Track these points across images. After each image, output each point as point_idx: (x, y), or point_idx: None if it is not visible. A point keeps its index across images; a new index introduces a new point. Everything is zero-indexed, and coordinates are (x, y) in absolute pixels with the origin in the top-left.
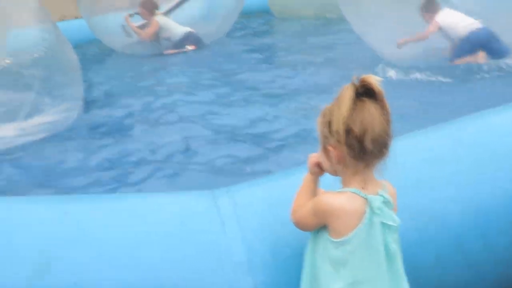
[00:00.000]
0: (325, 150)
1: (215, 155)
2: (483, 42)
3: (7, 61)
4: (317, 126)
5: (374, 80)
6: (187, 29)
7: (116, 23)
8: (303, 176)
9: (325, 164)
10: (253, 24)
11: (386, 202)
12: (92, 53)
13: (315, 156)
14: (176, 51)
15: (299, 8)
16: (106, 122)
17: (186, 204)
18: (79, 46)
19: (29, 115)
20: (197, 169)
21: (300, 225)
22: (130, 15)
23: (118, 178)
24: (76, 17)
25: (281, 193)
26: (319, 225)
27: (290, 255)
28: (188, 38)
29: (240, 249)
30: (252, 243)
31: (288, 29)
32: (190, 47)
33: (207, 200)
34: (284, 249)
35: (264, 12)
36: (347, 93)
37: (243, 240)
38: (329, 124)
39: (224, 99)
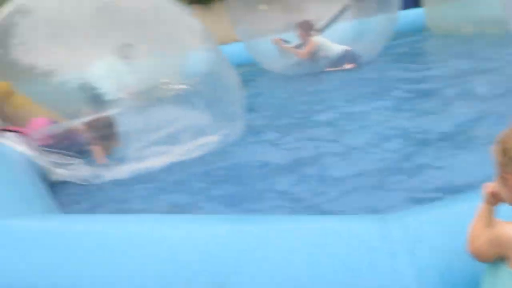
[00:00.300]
0: (503, 179)
1: (382, 176)
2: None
3: (183, 86)
4: (493, 154)
5: None
6: (344, 47)
7: (273, 45)
8: (476, 202)
9: (504, 193)
10: (410, 42)
11: None
12: (251, 75)
13: (492, 185)
14: (335, 69)
15: (458, 24)
16: (267, 141)
17: (355, 228)
18: (238, 68)
19: (193, 135)
20: (364, 189)
21: (478, 257)
22: (283, 40)
23: (283, 198)
24: (235, 41)
25: (454, 220)
26: (498, 257)
27: (463, 285)
28: (346, 56)
29: (410, 276)
30: (423, 271)
31: (450, 47)
32: (348, 65)
33: (377, 225)
34: (456, 279)
35: (419, 30)
36: None
37: (414, 267)
38: (506, 151)
39: (386, 113)
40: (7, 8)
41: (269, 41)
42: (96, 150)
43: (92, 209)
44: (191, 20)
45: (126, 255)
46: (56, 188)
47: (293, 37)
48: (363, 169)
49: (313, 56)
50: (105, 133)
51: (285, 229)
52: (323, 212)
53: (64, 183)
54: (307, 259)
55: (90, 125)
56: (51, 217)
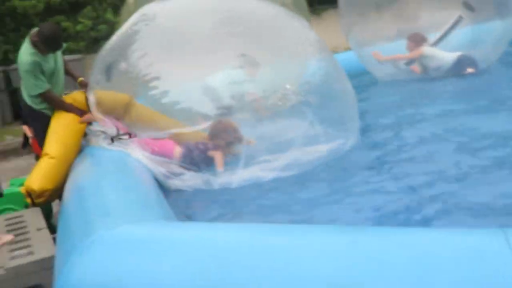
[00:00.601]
0: None
1: (495, 189)
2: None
3: (301, 95)
4: None
5: None
6: (457, 53)
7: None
8: None
9: None
10: None
11: None
12: (363, 83)
13: None
14: (454, 74)
15: None
16: (380, 150)
17: (475, 242)
18: (350, 77)
19: (308, 144)
20: (476, 203)
21: None
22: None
23: (400, 209)
24: (347, 49)
25: None
26: None
27: None
28: (462, 62)
29: None
30: None
31: None
32: (470, 70)
33: (498, 239)
34: None
35: None
36: None
37: None
38: None
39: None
40: (133, 18)
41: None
42: (218, 156)
43: (207, 217)
44: (307, 30)
45: (240, 266)
46: (172, 195)
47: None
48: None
49: (423, 67)
50: (227, 138)
51: (400, 241)
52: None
53: (179, 190)
54: (420, 274)
55: (214, 130)
56: (167, 224)
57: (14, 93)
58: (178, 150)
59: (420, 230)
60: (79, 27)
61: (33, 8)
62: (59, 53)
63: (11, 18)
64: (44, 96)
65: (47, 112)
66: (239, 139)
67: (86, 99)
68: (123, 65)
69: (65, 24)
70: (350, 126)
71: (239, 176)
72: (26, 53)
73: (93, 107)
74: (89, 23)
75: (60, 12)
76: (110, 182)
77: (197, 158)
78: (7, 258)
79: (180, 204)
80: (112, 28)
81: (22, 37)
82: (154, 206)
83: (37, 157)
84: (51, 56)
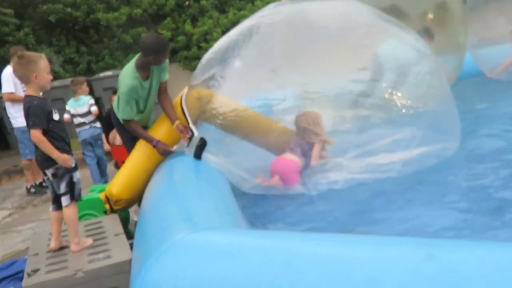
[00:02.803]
0: None
1: None
2: None
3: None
4: None
5: None
6: None
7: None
8: None
9: None
10: None
11: None
12: (477, 84)
13: None
14: None
15: None
16: (484, 155)
17: None
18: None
19: (409, 148)
20: None
21: None
22: None
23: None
24: None
25: None
26: None
27: None
28: None
29: None
30: None
31: None
32: None
33: None
34: None
35: None
36: None
37: None
38: None
39: None
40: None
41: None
42: (316, 148)
43: (284, 224)
44: (411, 35)
45: (313, 276)
46: (250, 201)
47: None
48: None
49: None
50: (316, 129)
51: (481, 256)
52: None
53: (259, 196)
54: None
55: (303, 121)
56: (242, 232)
57: (96, 103)
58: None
59: (502, 245)
60: None
61: (115, 20)
62: (155, 81)
63: (95, 30)
64: (126, 123)
65: None
66: (322, 128)
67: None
68: (237, 63)
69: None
70: (451, 131)
71: (335, 178)
72: (128, 75)
73: (188, 115)
74: (168, 34)
75: (141, 23)
76: (187, 189)
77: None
78: (86, 262)
79: (253, 211)
80: (190, 39)
81: (105, 48)
82: (230, 213)
83: (116, 164)
84: (148, 83)
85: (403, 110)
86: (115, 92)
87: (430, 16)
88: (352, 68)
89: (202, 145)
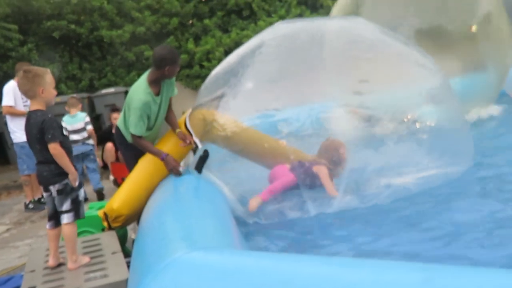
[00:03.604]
0: None
1: None
2: None
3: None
4: None
5: None
6: None
7: None
8: None
9: None
10: None
11: None
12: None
13: None
14: None
15: None
16: (489, 178)
17: None
18: None
19: (418, 169)
20: None
21: None
22: None
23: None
24: None
25: None
26: None
27: None
28: None
29: None
30: None
31: None
32: None
33: None
34: None
35: None
36: None
37: None
38: None
39: None
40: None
41: None
42: (323, 171)
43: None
44: (421, 55)
45: None
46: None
47: None
48: None
49: None
50: (335, 156)
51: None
52: None
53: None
54: None
55: (324, 147)
56: (240, 253)
57: (97, 119)
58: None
59: (500, 272)
60: None
61: (119, 38)
62: (165, 97)
63: (98, 47)
64: (136, 139)
65: None
66: (344, 160)
67: (185, 125)
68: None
69: (148, 53)
70: (462, 153)
71: (340, 201)
72: (141, 90)
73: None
74: None
75: (144, 41)
76: (187, 208)
77: (303, 176)
78: (82, 280)
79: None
80: (192, 57)
81: (108, 66)
82: (228, 233)
83: (115, 181)
84: (159, 99)
85: (413, 129)
86: (114, 109)
87: (474, 29)
88: (355, 80)
89: (204, 157)
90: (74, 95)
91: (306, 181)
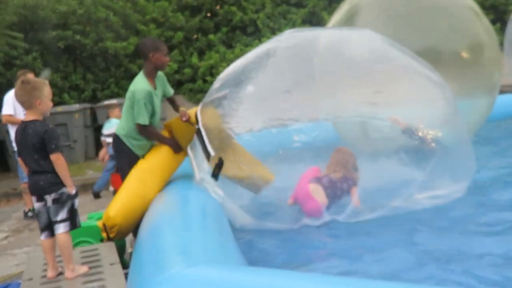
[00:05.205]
0: None
1: None
2: None
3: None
4: None
5: None
6: None
7: None
8: None
9: None
10: None
11: None
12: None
13: None
14: None
15: None
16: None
17: None
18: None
19: (421, 188)
20: None
21: None
22: None
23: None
24: None
25: None
26: None
27: None
28: None
29: None
30: None
31: None
32: None
33: None
34: None
35: None
36: None
37: None
38: None
39: None
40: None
41: None
42: (355, 190)
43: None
44: (430, 72)
45: None
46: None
47: None
48: None
49: None
50: (354, 164)
51: None
52: None
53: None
54: None
55: (341, 159)
56: (238, 268)
57: (98, 130)
58: (319, 194)
59: None
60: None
61: (123, 49)
62: (160, 94)
63: (102, 58)
64: (143, 129)
65: (135, 151)
66: (357, 168)
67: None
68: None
69: None
70: (464, 174)
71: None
72: (142, 82)
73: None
74: (175, 66)
75: None
76: (186, 222)
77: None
78: None
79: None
80: (196, 72)
81: (111, 77)
82: (227, 248)
83: (115, 193)
84: (157, 93)
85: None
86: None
87: (464, 55)
88: (366, 91)
89: (219, 164)
90: (108, 101)
91: (336, 197)
